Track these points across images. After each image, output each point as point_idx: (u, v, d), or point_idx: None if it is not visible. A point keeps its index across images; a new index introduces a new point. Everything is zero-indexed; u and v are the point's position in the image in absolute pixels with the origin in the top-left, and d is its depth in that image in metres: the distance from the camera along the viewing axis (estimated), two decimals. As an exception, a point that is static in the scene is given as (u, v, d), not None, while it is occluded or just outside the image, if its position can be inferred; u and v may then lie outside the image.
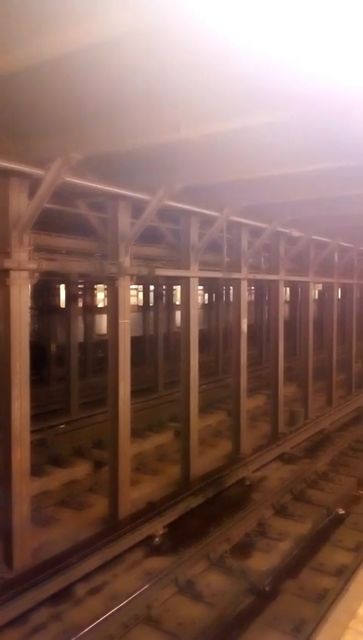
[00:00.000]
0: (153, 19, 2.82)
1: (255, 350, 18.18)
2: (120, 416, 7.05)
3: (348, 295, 16.40)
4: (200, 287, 16.00)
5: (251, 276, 10.10)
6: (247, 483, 8.41)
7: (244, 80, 3.63)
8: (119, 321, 6.99)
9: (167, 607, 5.38)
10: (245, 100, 3.99)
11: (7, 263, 5.58)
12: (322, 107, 3.98)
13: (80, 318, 15.50)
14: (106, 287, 7.31)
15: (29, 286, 5.94)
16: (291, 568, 6.15)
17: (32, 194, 5.58)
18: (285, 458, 9.61)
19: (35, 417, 6.40)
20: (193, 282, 8.41)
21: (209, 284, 19.71)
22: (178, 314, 12.73)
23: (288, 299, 21.20)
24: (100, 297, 24.20)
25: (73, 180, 5.59)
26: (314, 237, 11.22)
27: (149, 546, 6.42)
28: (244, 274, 9.65)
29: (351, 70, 3.39)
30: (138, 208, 6.86)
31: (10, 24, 2.98)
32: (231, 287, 12.55)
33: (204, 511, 7.40)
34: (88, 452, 9.35)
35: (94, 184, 6.06)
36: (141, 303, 20.76)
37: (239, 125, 4.35)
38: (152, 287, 17.53)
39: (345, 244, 13.22)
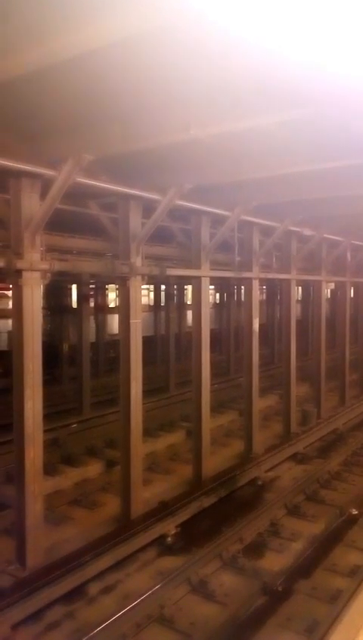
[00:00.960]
0: (161, 20, 2.82)
1: (267, 350, 18.14)
2: (132, 415, 7.07)
3: (360, 294, 16.30)
4: (212, 287, 16.01)
5: (262, 275, 10.07)
6: (259, 482, 8.39)
7: (255, 79, 3.61)
8: (131, 320, 7.01)
9: (180, 606, 5.38)
10: (255, 100, 3.97)
11: (20, 264, 5.61)
12: (334, 105, 3.95)
13: (92, 317, 15.56)
14: (117, 287, 7.33)
15: (42, 286, 5.97)
16: (304, 568, 6.13)
17: (43, 194, 5.61)
18: (298, 458, 9.57)
19: (47, 416, 6.44)
20: (205, 282, 8.40)
21: (220, 284, 19.70)
22: (189, 313, 12.73)
23: (300, 299, 21.12)
24: (112, 297, 24.33)
25: (85, 181, 5.61)
26: (326, 235, 11.16)
27: (161, 545, 6.44)
28: (256, 273, 9.62)
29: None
30: (148, 208, 6.88)
31: (21, 27, 3.00)
32: (242, 287, 12.53)
33: (216, 510, 7.40)
34: (101, 451, 9.39)
35: (105, 185, 6.08)
36: (152, 303, 20.80)
37: (250, 124, 4.33)
38: (163, 287, 17.56)
39: (358, 243, 13.12)
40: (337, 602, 5.11)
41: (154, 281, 16.30)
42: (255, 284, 9.74)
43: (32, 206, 5.69)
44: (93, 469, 8.80)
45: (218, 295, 23.04)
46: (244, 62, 3.35)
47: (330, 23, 2.82)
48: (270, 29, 2.92)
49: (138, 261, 6.98)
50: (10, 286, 5.95)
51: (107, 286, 19.03)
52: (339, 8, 2.67)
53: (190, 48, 3.19)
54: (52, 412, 10.67)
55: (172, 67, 3.48)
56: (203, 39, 3.07)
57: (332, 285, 18.44)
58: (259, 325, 10.06)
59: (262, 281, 12.24)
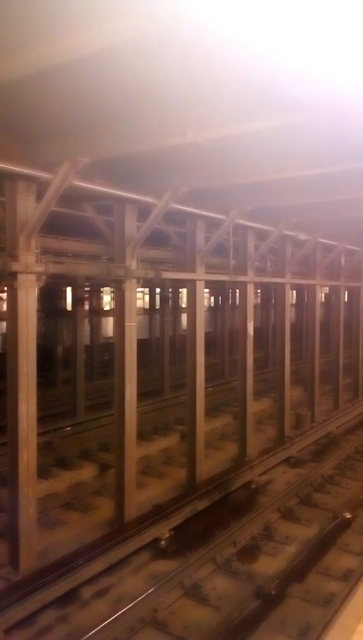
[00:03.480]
0: (158, 24, 2.84)
1: (261, 353, 18.16)
2: (126, 419, 7.06)
3: (355, 298, 16.36)
4: (206, 290, 16.05)
5: (257, 279, 10.10)
6: (253, 486, 8.40)
7: (250, 84, 3.64)
8: (126, 323, 7.01)
9: (173, 610, 5.37)
10: (251, 105, 3.99)
11: (15, 266, 5.61)
12: (329, 110, 3.98)
13: (86, 320, 15.52)
14: (112, 289, 7.33)
15: (37, 289, 5.97)
16: (297, 572, 6.14)
17: (39, 197, 5.61)
18: (291, 462, 9.58)
19: (41, 419, 6.42)
20: (200, 285, 8.42)
21: (215, 287, 19.72)
22: (184, 317, 12.74)
23: (294, 302, 21.17)
24: (106, 300, 24.30)
25: (80, 184, 5.62)
26: (320, 240, 11.21)
27: (155, 549, 6.43)
28: (250, 277, 9.65)
29: (357, 73, 3.39)
30: (144, 211, 6.89)
31: (18, 31, 3.01)
32: (237, 290, 12.56)
33: (210, 514, 7.40)
34: (94, 454, 9.37)
35: (101, 188, 6.10)
36: (147, 306, 20.79)
37: (245, 129, 4.35)
38: (158, 290, 17.56)
39: (352, 247, 13.19)
40: (330, 606, 5.13)
41: (149, 284, 16.29)
42: (250, 287, 9.76)
43: (28, 208, 5.69)
44: (87, 472, 8.78)
45: (212, 298, 23.07)
46: (241, 67, 3.37)
47: (325, 31, 2.85)
48: (267, 36, 2.94)
49: (133, 264, 6.99)
50: (5, 288, 5.94)
51: (101, 289, 19.00)
52: (333, 17, 2.70)
53: (186, 53, 3.21)
54: (46, 415, 10.63)
55: (169, 71, 3.50)
56: (199, 44, 3.09)
57: (326, 289, 18.52)
58: (254, 329, 10.08)
59: (256, 285, 12.28)
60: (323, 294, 20.54)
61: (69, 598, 5.40)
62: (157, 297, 18.50)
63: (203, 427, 8.59)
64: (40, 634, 4.96)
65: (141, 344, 9.28)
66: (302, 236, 10.39)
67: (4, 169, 5.16)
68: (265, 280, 11.05)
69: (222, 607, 5.41)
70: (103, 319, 20.35)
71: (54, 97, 4.00)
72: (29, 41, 3.11)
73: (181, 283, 14.16)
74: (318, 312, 12.93)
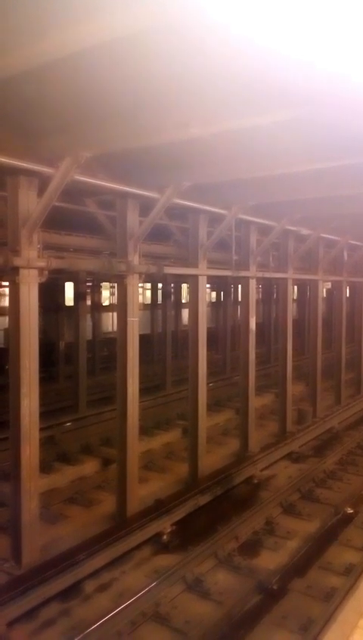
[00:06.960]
0: (161, 17, 2.81)
1: (263, 349, 18.16)
2: (128, 414, 7.07)
3: (357, 293, 16.32)
4: (208, 285, 16.02)
5: (259, 274, 10.08)
6: (255, 481, 8.41)
7: (254, 78, 3.61)
8: (128, 319, 7.00)
9: (175, 604, 5.39)
10: (255, 99, 3.96)
11: (17, 261, 5.60)
12: (334, 104, 3.95)
13: (88, 316, 15.52)
14: (114, 285, 7.33)
15: (38, 284, 5.96)
16: (299, 567, 6.15)
17: (41, 192, 5.60)
18: (293, 457, 9.60)
19: (43, 414, 6.43)
20: (202, 280, 8.40)
21: (217, 282, 19.69)
22: (185, 312, 12.73)
23: (296, 298, 21.13)
24: (106, 295, 24.26)
25: (82, 178, 5.60)
26: (323, 235, 11.17)
27: (157, 544, 6.45)
28: (253, 272, 9.63)
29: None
30: (146, 206, 6.86)
31: (20, 23, 2.98)
32: (239, 285, 12.53)
33: (212, 509, 7.41)
34: (97, 449, 9.38)
35: (103, 183, 6.08)
36: (148, 301, 20.78)
37: (249, 123, 4.32)
38: (160, 285, 17.54)
39: (355, 242, 13.14)
40: (332, 600, 5.15)
41: (151, 279, 16.29)
42: (252, 282, 9.74)
43: (30, 203, 5.68)
44: (89, 467, 8.80)
45: (214, 294, 23.04)
46: (243, 61, 3.34)
47: (332, 24, 2.82)
48: (269, 28, 2.91)
49: (135, 259, 6.98)
50: (7, 283, 5.93)
51: (101, 284, 18.99)
52: (340, 10, 2.67)
53: (189, 46, 3.18)
54: (48, 410, 10.65)
55: (172, 65, 3.47)
56: (202, 37, 3.06)
57: (328, 284, 18.47)
58: (256, 324, 10.07)
59: (258, 280, 12.25)
60: (325, 289, 20.50)
61: (72, 592, 5.42)
62: (159, 292, 18.48)
63: (204, 422, 8.60)
64: (42, 627, 4.99)
65: (143, 339, 9.27)
66: (304, 231, 10.36)
67: (6, 164, 5.14)
68: (267, 275, 11.03)
69: (224, 602, 5.43)
70: (105, 314, 20.35)
71: (56, 91, 3.97)
72: (31, 35, 3.08)
73: (183, 278, 14.14)
74: (320, 308, 12.90)
